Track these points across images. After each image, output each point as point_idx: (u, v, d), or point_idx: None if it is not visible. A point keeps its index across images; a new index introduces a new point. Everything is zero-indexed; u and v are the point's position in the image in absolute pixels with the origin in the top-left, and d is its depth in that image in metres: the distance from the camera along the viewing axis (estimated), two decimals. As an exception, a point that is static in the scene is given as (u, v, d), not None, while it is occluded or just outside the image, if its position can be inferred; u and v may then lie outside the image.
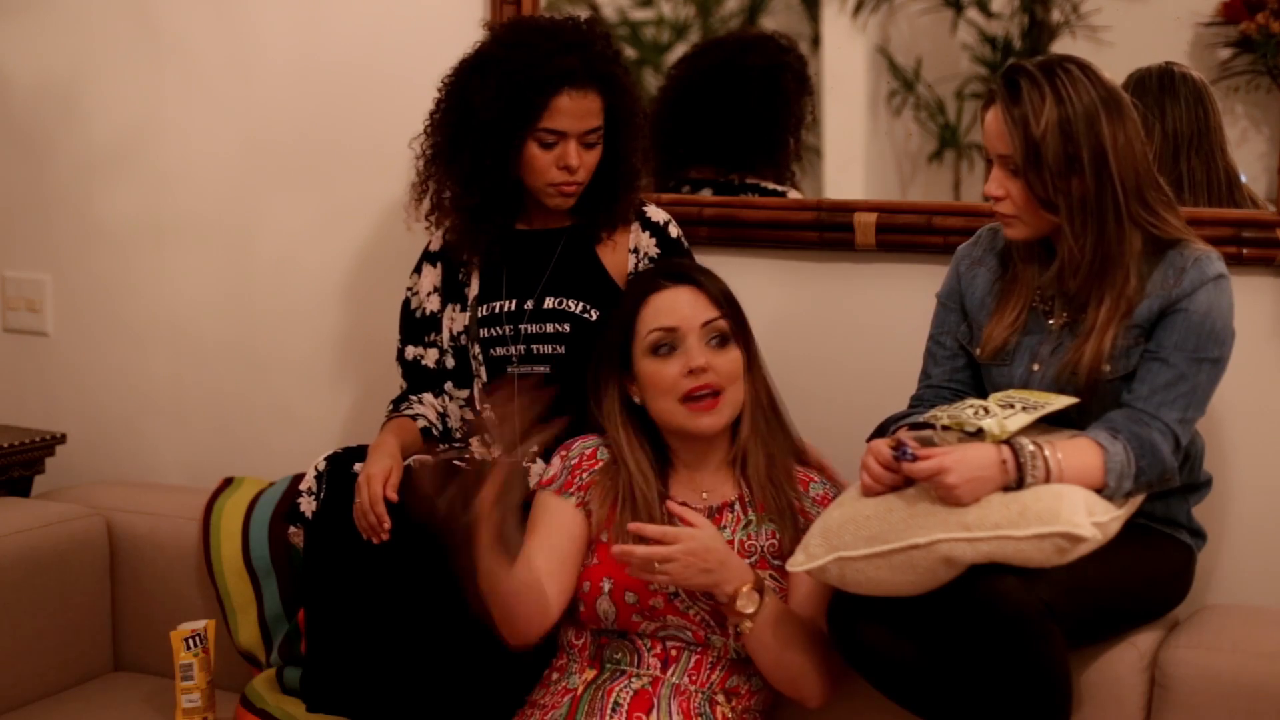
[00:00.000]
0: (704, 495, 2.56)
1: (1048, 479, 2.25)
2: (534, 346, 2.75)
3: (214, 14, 3.33)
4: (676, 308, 2.53)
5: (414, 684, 2.59)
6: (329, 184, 3.28)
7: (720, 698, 2.48)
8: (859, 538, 2.29)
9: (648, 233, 2.80)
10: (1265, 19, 2.67)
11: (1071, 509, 2.21)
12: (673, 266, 2.68)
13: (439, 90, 2.77)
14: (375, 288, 3.21)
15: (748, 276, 2.79)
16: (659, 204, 2.88)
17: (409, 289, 2.88)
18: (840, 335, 2.93)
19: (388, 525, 2.58)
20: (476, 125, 2.69)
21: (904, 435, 2.30)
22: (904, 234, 2.84)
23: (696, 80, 3.06)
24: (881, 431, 2.49)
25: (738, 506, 2.55)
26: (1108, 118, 2.31)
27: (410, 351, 2.86)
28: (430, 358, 2.85)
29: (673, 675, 2.48)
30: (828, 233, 2.89)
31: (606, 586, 2.49)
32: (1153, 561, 2.43)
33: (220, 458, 3.37)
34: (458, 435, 2.84)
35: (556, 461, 2.60)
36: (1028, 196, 2.34)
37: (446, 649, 2.53)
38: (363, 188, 3.23)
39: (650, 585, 2.46)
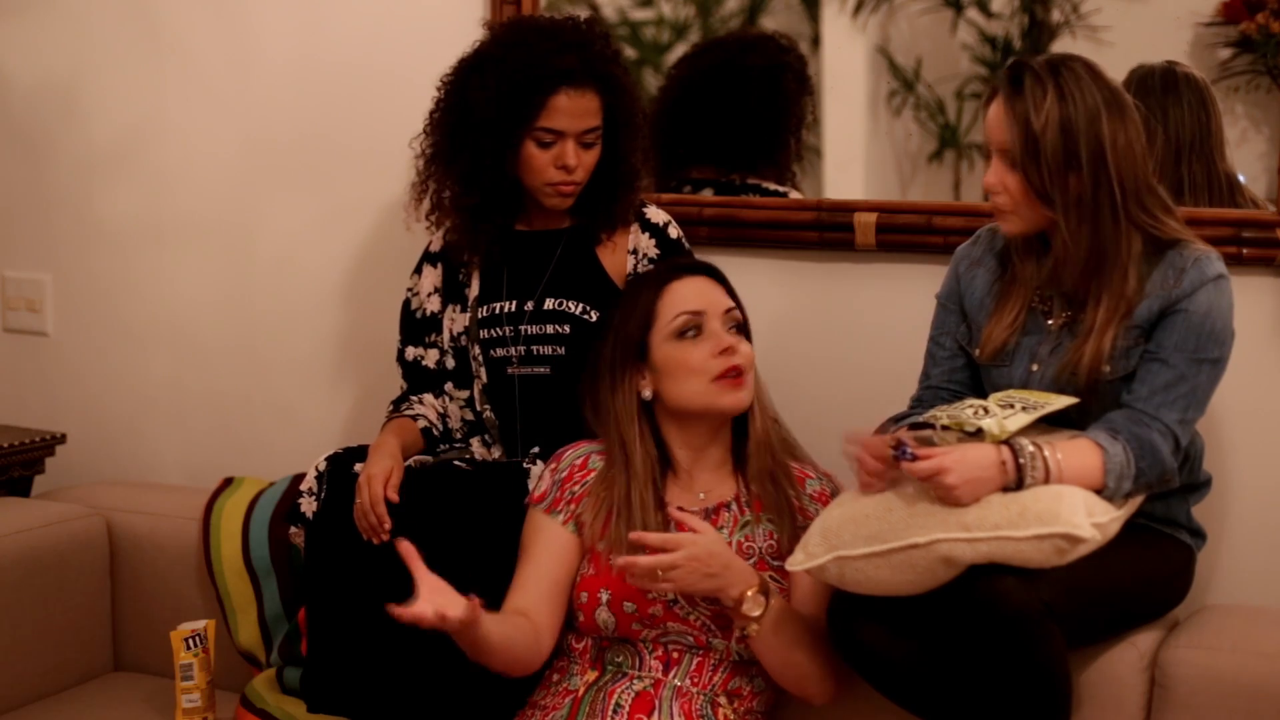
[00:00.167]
0: (701, 496, 2.56)
1: (1047, 479, 2.25)
2: (534, 347, 2.75)
3: (214, 14, 3.33)
4: (702, 293, 2.55)
5: (414, 684, 2.59)
6: (329, 184, 3.28)
7: (722, 699, 2.48)
8: (858, 537, 2.29)
9: (647, 234, 2.79)
10: (1265, 19, 2.67)
11: (1071, 510, 2.21)
12: (686, 259, 2.70)
13: (438, 89, 2.77)
14: (375, 288, 3.21)
15: (748, 276, 2.79)
16: (659, 204, 2.88)
17: (409, 289, 2.88)
18: (840, 335, 2.93)
19: (388, 525, 2.58)
20: (474, 124, 2.69)
21: (904, 435, 2.30)
22: (904, 234, 2.84)
23: (697, 80, 3.06)
24: (881, 432, 2.50)
25: (734, 506, 2.55)
26: (1109, 118, 2.31)
27: (410, 352, 2.86)
28: (431, 358, 2.84)
29: (674, 677, 2.48)
30: (828, 233, 2.89)
31: (604, 597, 2.49)
32: (1152, 561, 2.43)
33: (220, 458, 3.37)
34: (458, 436, 2.84)
35: (547, 475, 2.59)
36: (1024, 190, 2.35)
37: (447, 649, 2.53)
38: (363, 188, 3.23)
39: (649, 594, 2.46)
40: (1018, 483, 2.25)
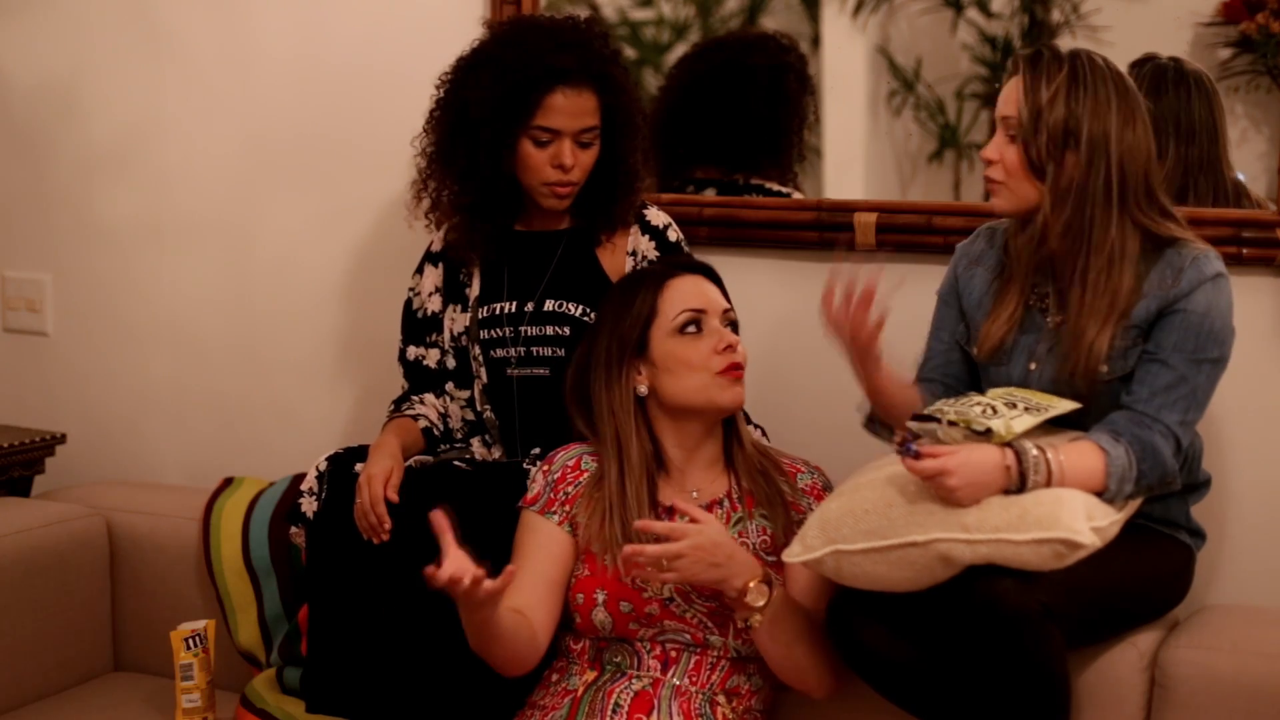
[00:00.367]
0: (694, 494, 2.56)
1: (1049, 482, 2.25)
2: (534, 349, 2.75)
3: (214, 14, 3.33)
4: (702, 291, 2.57)
5: (414, 684, 2.59)
6: (329, 183, 3.28)
7: (721, 698, 2.48)
8: (857, 531, 2.29)
9: (647, 236, 2.79)
10: (1265, 19, 2.67)
11: (1071, 515, 2.20)
12: (685, 258, 2.70)
13: (436, 88, 2.77)
14: (376, 288, 3.21)
15: (748, 276, 2.79)
16: (659, 205, 2.87)
17: (411, 289, 2.88)
18: (840, 335, 2.92)
19: (388, 525, 2.58)
20: (471, 122, 2.69)
21: (912, 426, 2.30)
22: (904, 234, 2.84)
23: (700, 81, 3.06)
24: (870, 425, 2.52)
25: (727, 503, 2.56)
26: (1119, 111, 2.33)
27: (412, 352, 2.86)
28: (432, 358, 2.84)
29: (673, 676, 2.48)
30: (828, 233, 2.89)
31: (600, 597, 2.49)
32: (1152, 562, 2.43)
33: (220, 458, 3.37)
34: (458, 436, 2.84)
35: (539, 477, 2.59)
36: (1020, 162, 2.36)
37: (447, 649, 2.53)
38: (363, 187, 3.23)
39: (646, 593, 2.46)
40: (1020, 486, 2.25)
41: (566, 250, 2.79)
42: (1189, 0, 2.72)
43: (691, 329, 2.54)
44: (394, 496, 2.59)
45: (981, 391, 2.42)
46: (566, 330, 2.73)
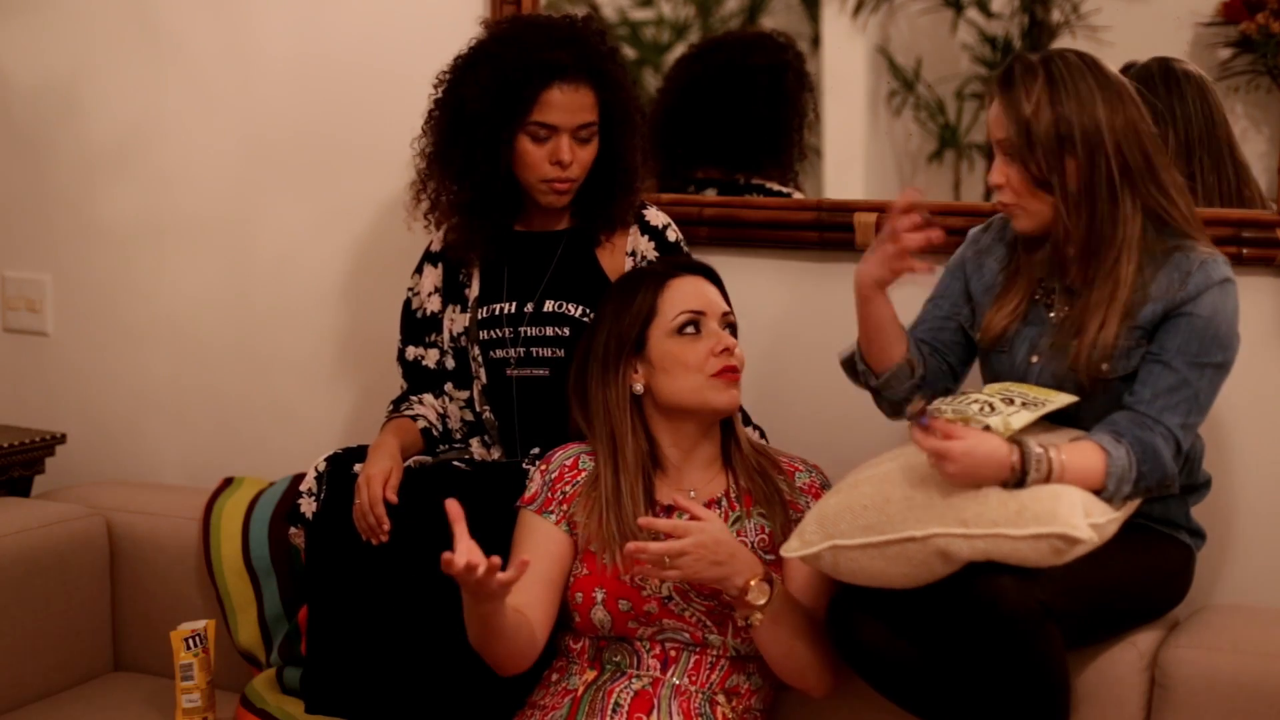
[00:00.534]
0: (692, 494, 2.56)
1: (1048, 479, 2.25)
2: (533, 349, 2.75)
3: (214, 14, 3.33)
4: (702, 293, 2.57)
5: (414, 684, 2.59)
6: (329, 183, 3.28)
7: (720, 698, 2.49)
8: (855, 526, 2.30)
9: (646, 236, 2.79)
10: (1265, 19, 2.67)
11: (1070, 510, 2.21)
12: (686, 259, 2.70)
13: (434, 87, 2.77)
14: (375, 287, 3.21)
15: (748, 276, 2.79)
16: (659, 205, 2.87)
17: (410, 289, 2.88)
18: (840, 335, 2.91)
19: (387, 526, 2.58)
20: (469, 119, 2.69)
21: (938, 403, 2.31)
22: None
23: (699, 82, 3.06)
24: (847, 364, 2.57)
25: (725, 502, 2.56)
26: (1104, 99, 2.32)
27: (411, 352, 2.86)
28: (431, 358, 2.84)
29: (673, 676, 2.48)
30: (828, 233, 2.89)
31: (599, 596, 2.49)
32: (1152, 561, 2.43)
33: (220, 458, 3.37)
34: (458, 436, 2.84)
35: (537, 477, 2.59)
36: (1024, 179, 2.36)
37: (447, 649, 2.53)
38: (363, 187, 3.23)
39: (643, 592, 2.46)
40: (1019, 481, 2.25)
41: (566, 250, 2.79)
42: (1189, 0, 2.72)
43: (690, 330, 2.54)
44: (393, 497, 2.59)
45: (968, 368, 2.44)
46: (566, 331, 2.73)
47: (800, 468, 2.60)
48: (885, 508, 2.29)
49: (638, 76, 3.03)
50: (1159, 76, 2.68)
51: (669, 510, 2.53)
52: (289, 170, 3.31)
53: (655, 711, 2.44)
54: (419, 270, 2.87)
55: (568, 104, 2.67)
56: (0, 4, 3.51)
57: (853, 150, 3.06)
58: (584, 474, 2.56)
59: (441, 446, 2.82)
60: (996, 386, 2.38)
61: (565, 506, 2.55)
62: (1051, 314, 2.44)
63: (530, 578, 2.48)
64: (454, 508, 2.29)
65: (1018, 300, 2.45)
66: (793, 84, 3.02)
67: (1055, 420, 2.35)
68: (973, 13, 2.89)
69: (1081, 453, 2.28)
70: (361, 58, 3.22)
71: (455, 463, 2.71)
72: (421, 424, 2.79)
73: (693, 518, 2.39)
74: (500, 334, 2.77)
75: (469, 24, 2.97)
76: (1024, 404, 2.30)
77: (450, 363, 2.81)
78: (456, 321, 2.81)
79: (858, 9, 2.95)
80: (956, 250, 2.58)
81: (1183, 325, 2.33)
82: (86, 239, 3.49)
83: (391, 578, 2.59)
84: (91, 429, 3.48)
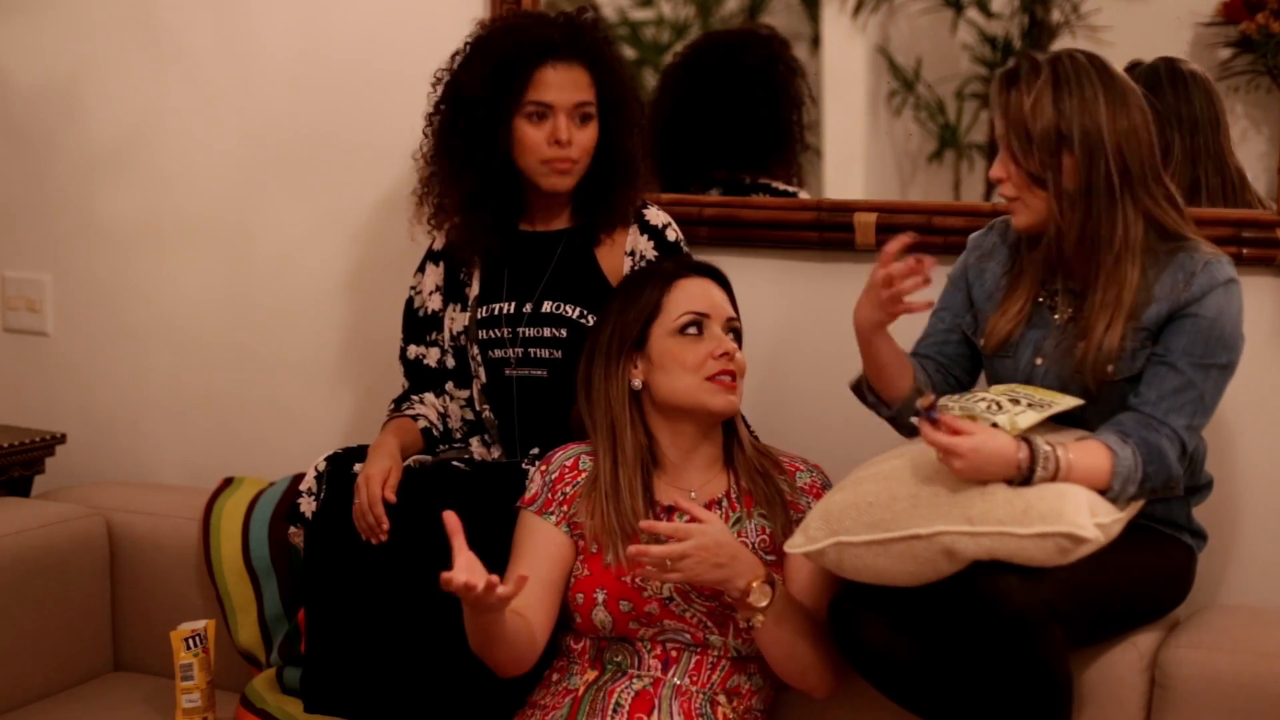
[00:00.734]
0: (692, 494, 2.56)
1: (1055, 478, 2.25)
2: (531, 350, 2.74)
3: (214, 14, 3.33)
4: (708, 295, 2.57)
5: (414, 684, 2.59)
6: (329, 184, 3.28)
7: (721, 698, 2.48)
8: (860, 523, 2.30)
9: (646, 235, 2.79)
10: (1265, 19, 2.67)
11: (1075, 509, 2.21)
12: (694, 261, 2.71)
13: (432, 86, 2.79)
14: (375, 287, 3.21)
15: (748, 276, 2.79)
16: (659, 204, 2.87)
17: (412, 287, 2.88)
18: (841, 335, 2.90)
19: (386, 526, 2.58)
20: (466, 105, 2.71)
21: (945, 401, 2.30)
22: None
23: (693, 91, 3.06)
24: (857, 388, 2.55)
25: (725, 503, 2.56)
26: (1108, 101, 2.32)
27: (412, 350, 2.86)
28: (432, 357, 2.84)
29: (674, 676, 2.48)
30: (828, 233, 2.89)
31: (600, 597, 2.49)
32: (1154, 562, 2.43)
33: (220, 458, 3.37)
34: (458, 435, 2.84)
35: (537, 477, 2.60)
36: (1022, 174, 2.35)
37: (446, 649, 2.53)
38: (363, 187, 3.23)
39: (646, 592, 2.46)
40: (1026, 479, 2.25)
41: (566, 250, 2.79)
42: (1189, 0, 2.72)
43: (692, 330, 2.54)
44: (391, 497, 2.59)
45: (974, 380, 2.42)
46: (564, 332, 2.73)
47: (801, 468, 2.60)
48: (891, 505, 2.29)
49: (638, 76, 3.03)
50: (1166, 77, 2.68)
51: (669, 511, 2.53)
52: (289, 170, 3.31)
53: (656, 711, 2.44)
54: (421, 269, 2.88)
55: (562, 82, 2.68)
56: (0, 4, 3.51)
57: (853, 150, 3.06)
58: (584, 475, 2.56)
59: (441, 446, 2.82)
60: (1002, 387, 2.38)
61: (565, 507, 2.55)
62: (1055, 316, 2.44)
63: (530, 579, 2.48)
64: (452, 520, 2.29)
65: (1022, 302, 2.45)
66: (784, 75, 3.02)
67: (1060, 421, 2.35)
68: (973, 13, 2.89)
69: (1088, 452, 2.28)
70: (361, 57, 3.22)
71: (455, 463, 2.71)
72: (422, 424, 2.79)
73: (693, 519, 2.39)
74: (499, 334, 2.77)
75: (468, 24, 2.96)
76: (1030, 404, 2.30)
77: (451, 362, 2.81)
78: (456, 320, 2.81)
79: (858, 9, 2.95)
80: (957, 259, 2.58)
81: (1188, 326, 2.33)
82: (86, 239, 3.49)
83: (391, 577, 2.59)
84: (91, 429, 3.48)
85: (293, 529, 2.79)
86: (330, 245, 3.28)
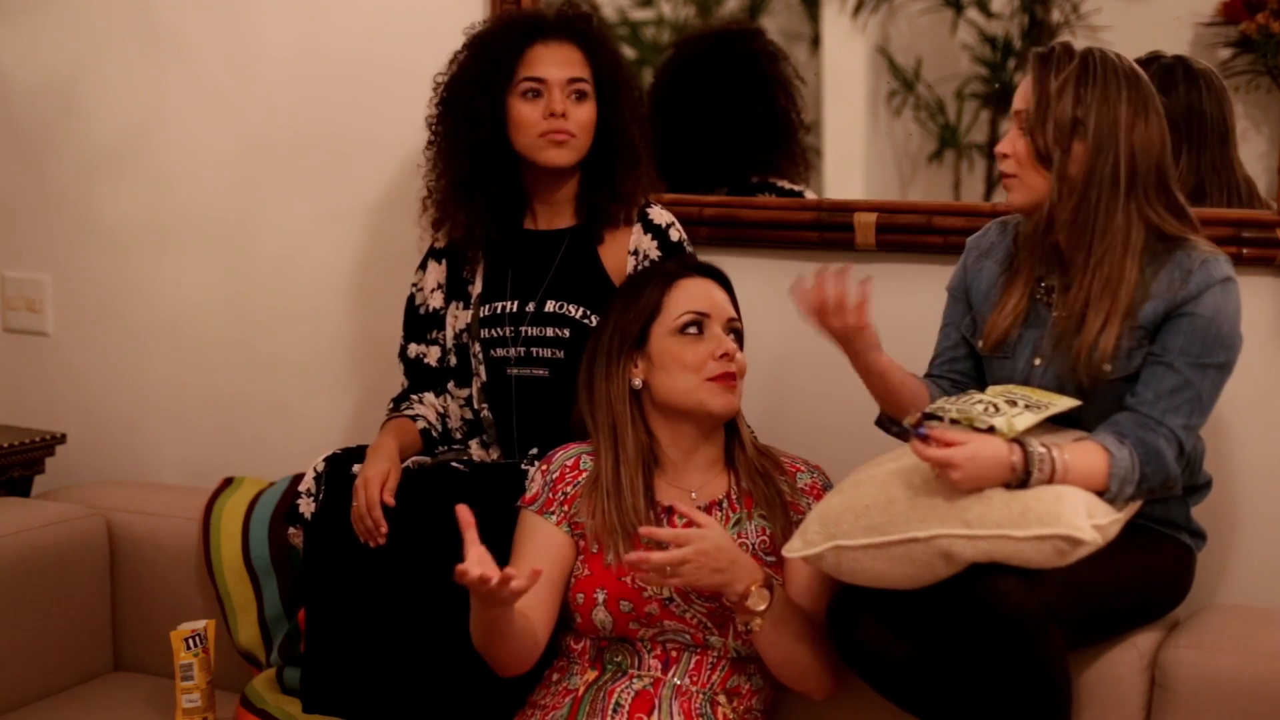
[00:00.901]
0: (693, 495, 2.56)
1: (1051, 480, 2.25)
2: (533, 349, 2.75)
3: (214, 14, 3.34)
4: (709, 295, 2.57)
5: (414, 685, 2.59)
6: (329, 183, 3.28)
7: (721, 698, 2.49)
8: (858, 527, 2.29)
9: (649, 234, 2.79)
10: (1265, 19, 2.67)
11: (1073, 511, 2.20)
12: (696, 261, 2.71)
13: (433, 89, 2.80)
14: (376, 287, 3.21)
15: (748, 276, 2.79)
16: (660, 203, 2.87)
17: (414, 285, 2.88)
18: (840, 335, 2.92)
19: (384, 530, 2.58)
20: (462, 92, 2.74)
21: (932, 408, 2.30)
22: (904, 234, 2.84)
23: (684, 100, 3.06)
24: (881, 421, 2.52)
25: (726, 504, 2.56)
26: (1130, 104, 2.33)
27: (413, 349, 2.86)
28: (432, 356, 2.84)
29: (674, 676, 2.48)
30: (828, 233, 2.89)
31: (600, 597, 2.49)
32: (1152, 562, 2.43)
33: (220, 458, 3.37)
34: (457, 436, 2.84)
35: (538, 477, 2.60)
36: (1029, 152, 2.36)
37: (446, 649, 2.53)
38: (363, 187, 3.23)
39: (646, 593, 2.46)
40: (1023, 482, 2.25)
41: (569, 249, 2.79)
42: (1189, 0, 2.72)
43: (692, 330, 2.54)
44: (390, 500, 2.59)
45: (983, 389, 2.42)
46: (566, 332, 2.73)
47: (802, 468, 2.60)
48: (888, 508, 2.28)
49: (638, 77, 3.03)
50: (1181, 76, 2.68)
51: (669, 512, 2.53)
52: (289, 170, 3.31)
53: (656, 712, 2.44)
54: (423, 266, 2.87)
55: (553, 57, 2.71)
56: (1, 4, 3.51)
57: (853, 150, 3.06)
58: (585, 474, 2.56)
59: (441, 447, 2.82)
60: (999, 389, 2.37)
61: (566, 507, 2.55)
62: (1052, 312, 2.44)
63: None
64: (465, 514, 2.30)
65: (1018, 298, 2.45)
66: (769, 67, 3.01)
67: (1058, 422, 2.35)
68: (973, 13, 2.89)
69: (1084, 453, 2.28)
70: (361, 58, 3.22)
71: (454, 464, 2.71)
72: (421, 424, 2.79)
73: (691, 524, 2.39)
74: (501, 333, 2.77)
75: (468, 24, 2.97)
76: (1027, 406, 2.30)
77: (452, 360, 2.81)
78: (459, 318, 2.81)
79: (858, 9, 2.95)
80: (954, 269, 2.57)
81: (1184, 325, 2.33)
82: (86, 239, 3.49)
83: (391, 578, 2.59)
84: (91, 429, 3.48)
85: (292, 530, 2.80)
86: (330, 245, 3.28)
